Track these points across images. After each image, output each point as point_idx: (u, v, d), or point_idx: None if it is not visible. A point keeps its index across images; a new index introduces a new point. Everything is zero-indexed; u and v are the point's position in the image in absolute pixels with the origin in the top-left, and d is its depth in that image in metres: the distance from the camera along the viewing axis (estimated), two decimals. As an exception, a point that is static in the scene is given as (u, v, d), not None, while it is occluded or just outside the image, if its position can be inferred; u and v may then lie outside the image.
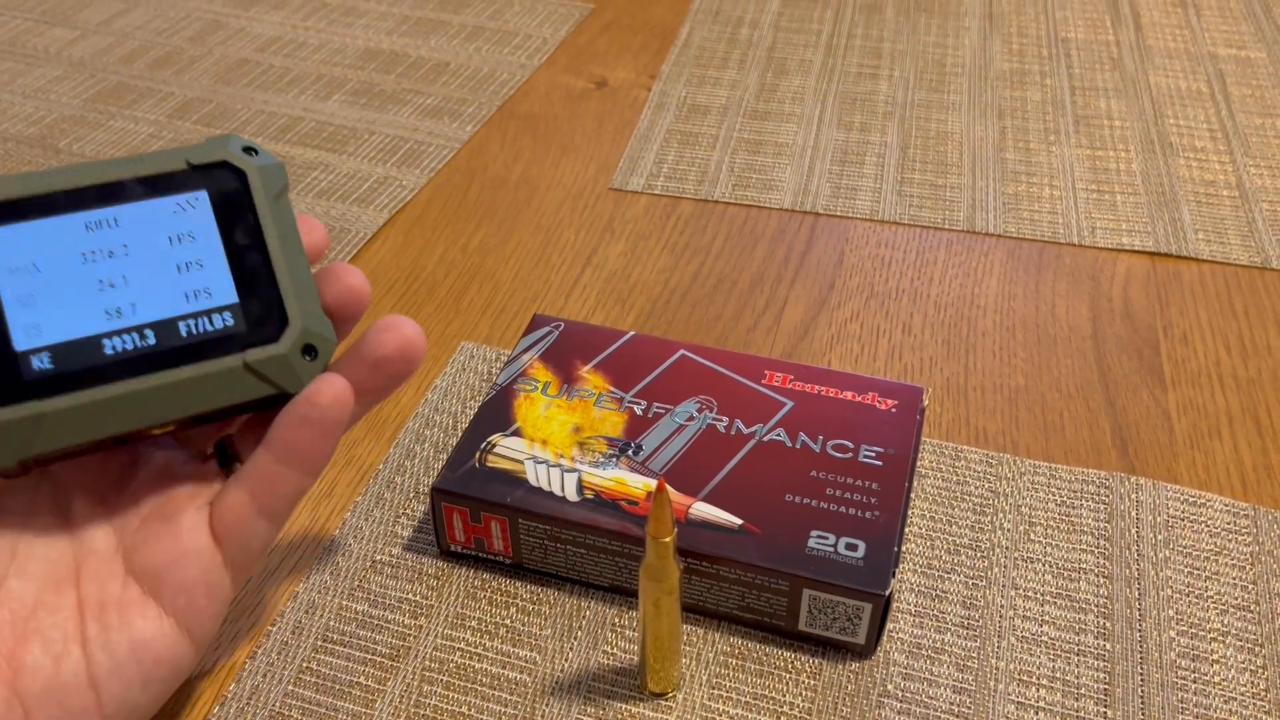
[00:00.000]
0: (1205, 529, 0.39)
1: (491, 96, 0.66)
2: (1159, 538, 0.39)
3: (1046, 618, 0.36)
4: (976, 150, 0.60)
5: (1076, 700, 0.34)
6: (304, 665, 0.35)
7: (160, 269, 0.30)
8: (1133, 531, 0.39)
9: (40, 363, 0.28)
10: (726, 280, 0.52)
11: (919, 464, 0.42)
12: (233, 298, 0.30)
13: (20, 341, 0.28)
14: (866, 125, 0.63)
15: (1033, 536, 0.39)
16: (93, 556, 0.30)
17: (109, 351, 0.29)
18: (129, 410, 0.29)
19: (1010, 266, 0.52)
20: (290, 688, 0.35)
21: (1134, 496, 0.40)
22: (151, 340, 0.29)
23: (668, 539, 0.30)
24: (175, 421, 0.30)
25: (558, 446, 0.38)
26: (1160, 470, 0.41)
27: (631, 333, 0.43)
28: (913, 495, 0.40)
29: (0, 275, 0.28)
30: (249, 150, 0.31)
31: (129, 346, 0.29)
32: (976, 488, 0.41)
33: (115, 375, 0.29)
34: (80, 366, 0.28)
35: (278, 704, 0.34)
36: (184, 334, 0.30)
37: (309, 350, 0.31)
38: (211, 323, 0.30)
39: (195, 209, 0.30)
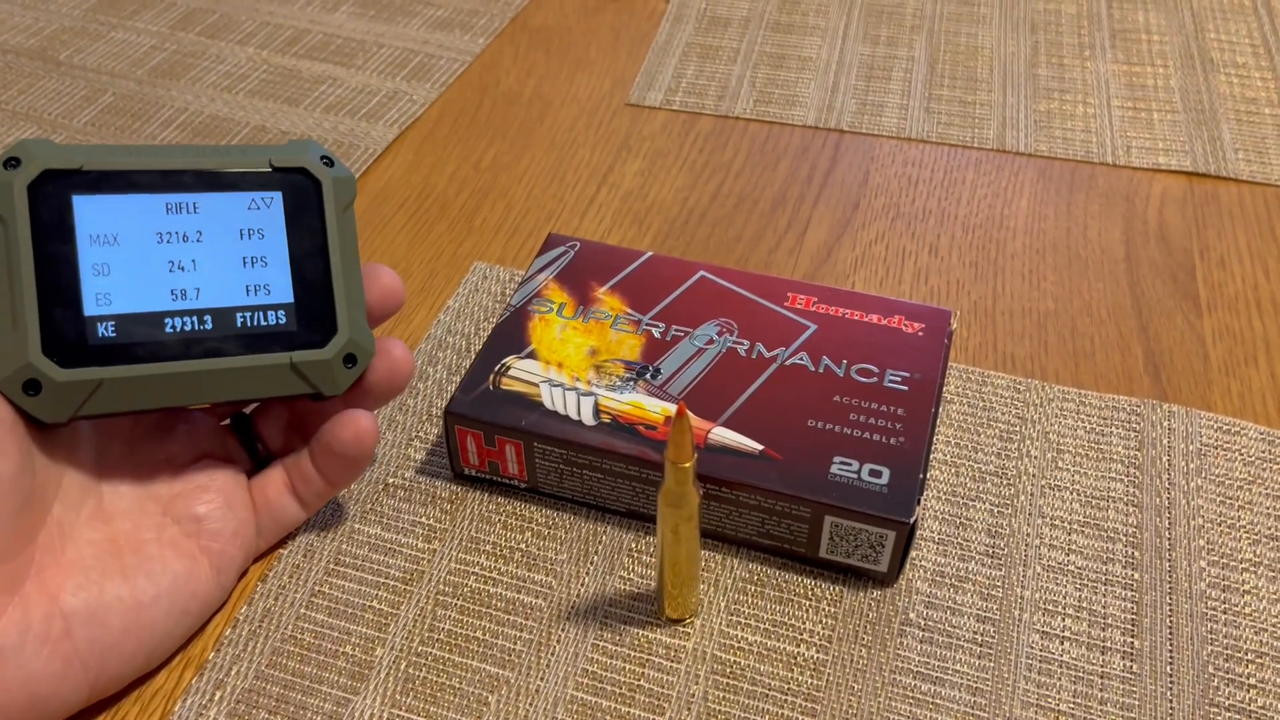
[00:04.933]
0: (1239, 457, 0.38)
1: (504, 8, 0.64)
2: (1191, 466, 0.38)
3: (1074, 546, 0.35)
4: (1008, 66, 0.58)
5: (1103, 630, 0.33)
6: (316, 589, 0.35)
7: (228, 260, 0.31)
8: (1164, 460, 0.38)
9: (105, 330, 0.29)
10: (747, 200, 0.50)
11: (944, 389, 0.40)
12: (289, 297, 0.32)
13: (90, 307, 0.29)
14: (893, 39, 0.60)
15: (1061, 464, 0.38)
16: (124, 499, 0.32)
17: (169, 330, 0.30)
18: (177, 388, 0.30)
19: (1041, 187, 0.50)
20: (303, 610, 0.34)
21: (1166, 424, 0.39)
22: (209, 326, 0.31)
23: (688, 464, 0.29)
24: (216, 403, 0.31)
25: (574, 369, 0.37)
26: (1194, 397, 0.40)
27: (649, 253, 0.41)
28: (938, 421, 0.39)
29: (82, 242, 0.29)
30: (326, 160, 0.33)
31: (188, 328, 0.31)
32: (1003, 414, 0.39)
33: (170, 354, 0.30)
34: (140, 339, 0.30)
35: (290, 627, 0.34)
36: (239, 325, 0.31)
37: (349, 359, 0.33)
38: (266, 318, 0.32)
39: (269, 208, 0.32)
